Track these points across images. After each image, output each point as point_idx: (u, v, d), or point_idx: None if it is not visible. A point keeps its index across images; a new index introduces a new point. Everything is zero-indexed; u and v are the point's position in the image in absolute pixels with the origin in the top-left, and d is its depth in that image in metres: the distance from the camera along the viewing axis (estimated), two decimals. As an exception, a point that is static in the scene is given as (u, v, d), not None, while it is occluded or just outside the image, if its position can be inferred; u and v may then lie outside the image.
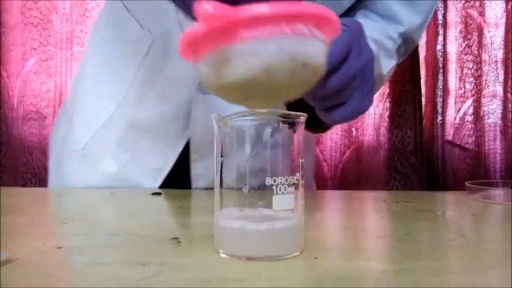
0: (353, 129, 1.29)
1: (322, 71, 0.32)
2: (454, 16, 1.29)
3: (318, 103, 0.46)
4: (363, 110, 0.47)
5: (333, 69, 0.42)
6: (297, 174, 0.32)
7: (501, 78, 1.28)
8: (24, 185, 1.30)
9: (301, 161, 0.32)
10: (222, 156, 0.32)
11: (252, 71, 0.29)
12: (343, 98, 0.45)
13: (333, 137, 1.28)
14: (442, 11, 1.28)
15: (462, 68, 1.29)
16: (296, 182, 0.32)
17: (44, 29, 1.32)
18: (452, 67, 1.29)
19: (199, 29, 0.28)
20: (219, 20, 0.28)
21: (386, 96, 1.28)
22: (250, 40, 0.28)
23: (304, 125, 0.33)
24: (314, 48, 0.30)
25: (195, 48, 0.30)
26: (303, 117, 0.33)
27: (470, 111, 1.29)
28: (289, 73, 0.29)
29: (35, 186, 1.29)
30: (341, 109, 0.46)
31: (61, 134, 0.75)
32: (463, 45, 1.29)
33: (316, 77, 0.32)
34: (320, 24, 0.30)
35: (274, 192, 0.30)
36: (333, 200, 0.65)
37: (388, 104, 1.27)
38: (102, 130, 0.68)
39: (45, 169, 1.31)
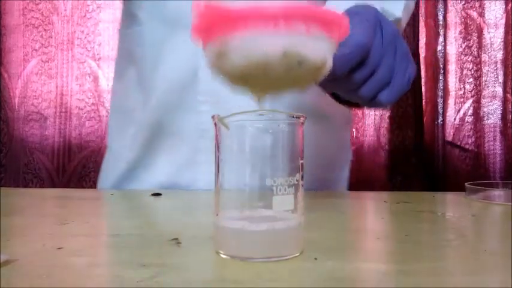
0: (354, 129, 1.29)
1: (325, 69, 0.32)
2: (454, 17, 1.29)
3: (363, 93, 0.44)
4: (407, 84, 0.45)
5: (366, 52, 0.42)
6: (297, 175, 0.32)
7: (501, 79, 1.28)
8: (26, 185, 1.30)
9: (301, 161, 0.32)
10: (221, 156, 0.32)
11: (246, 64, 0.30)
12: (384, 76, 0.43)
13: (334, 137, 1.28)
14: (442, 12, 1.28)
15: (462, 69, 1.29)
16: (296, 182, 0.32)
17: (45, 30, 1.32)
18: (452, 68, 1.29)
19: (202, 18, 0.30)
20: (216, 12, 0.28)
21: (386, 97, 1.28)
22: (245, 34, 0.29)
23: (303, 126, 0.33)
24: (312, 47, 0.30)
25: (201, 35, 0.31)
26: (302, 117, 0.33)
27: (470, 111, 1.30)
28: (284, 69, 0.30)
29: (36, 187, 1.29)
30: (387, 91, 0.44)
31: None
32: (463, 46, 1.29)
33: (318, 74, 0.32)
34: (325, 24, 0.30)
35: (274, 192, 0.30)
36: (333, 200, 0.65)
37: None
38: None
39: (46, 170, 1.31)
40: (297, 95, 0.67)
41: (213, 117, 0.32)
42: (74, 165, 1.33)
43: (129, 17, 0.70)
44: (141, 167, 0.69)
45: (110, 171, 0.73)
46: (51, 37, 1.33)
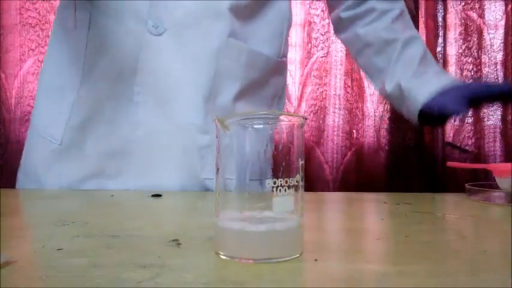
0: (354, 131, 1.29)
1: None
2: (453, 18, 1.29)
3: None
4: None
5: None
6: (297, 176, 0.32)
7: (501, 80, 1.28)
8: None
9: (301, 162, 0.32)
10: (221, 157, 0.32)
11: None
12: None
13: (334, 139, 1.28)
14: (442, 13, 1.28)
15: (462, 70, 1.29)
16: (296, 183, 0.31)
17: (41, 29, 1.32)
18: (452, 69, 1.29)
19: None
20: None
21: (386, 98, 1.28)
22: None
23: (303, 128, 0.33)
24: None
25: None
26: (302, 118, 0.33)
27: (470, 112, 1.29)
28: None
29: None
30: None
31: None
32: (463, 47, 1.29)
33: None
34: None
35: (274, 193, 0.30)
36: (333, 201, 0.65)
37: (388, 106, 1.27)
38: None
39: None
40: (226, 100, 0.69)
41: (213, 118, 0.32)
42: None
43: (71, 2, 0.69)
44: (71, 148, 0.69)
45: (37, 150, 0.72)
46: (48, 37, 1.32)
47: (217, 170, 0.32)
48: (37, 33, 1.32)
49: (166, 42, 0.65)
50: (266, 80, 0.74)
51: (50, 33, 1.31)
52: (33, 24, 1.32)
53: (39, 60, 1.32)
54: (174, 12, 0.65)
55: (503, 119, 1.28)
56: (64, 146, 0.69)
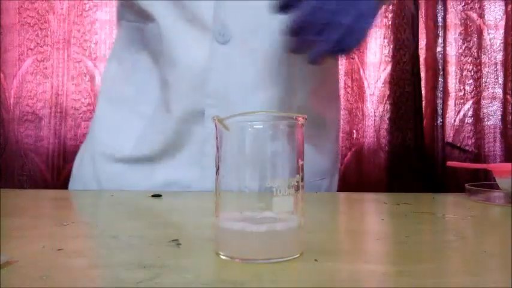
0: (354, 131, 1.29)
1: None
2: (453, 18, 1.29)
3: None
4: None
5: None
6: (297, 176, 0.32)
7: (501, 80, 1.28)
8: (20, 187, 1.29)
9: (301, 162, 0.32)
10: (222, 157, 0.32)
11: None
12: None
13: (335, 139, 1.28)
14: (442, 13, 1.28)
15: (462, 70, 1.29)
16: (296, 183, 0.31)
17: (40, 29, 1.32)
18: (452, 69, 1.29)
19: None
20: None
21: (386, 98, 1.28)
22: None
23: (303, 127, 0.33)
24: None
25: None
26: (302, 119, 0.33)
27: (470, 113, 1.30)
28: None
29: (30, 189, 1.29)
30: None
31: None
32: (463, 47, 1.29)
33: None
34: None
35: (274, 194, 0.30)
36: (333, 201, 0.65)
37: (388, 106, 1.27)
38: None
39: (40, 172, 1.31)
40: (300, 99, 0.67)
41: (213, 118, 0.32)
42: (70, 167, 1.32)
43: (136, 13, 0.68)
44: (143, 161, 0.68)
45: (101, 161, 0.70)
46: (47, 36, 1.32)
47: (217, 170, 0.32)
48: (36, 33, 1.32)
49: (234, 49, 0.63)
50: (333, 73, 0.76)
51: (48, 32, 1.32)
52: (32, 24, 1.32)
53: (37, 60, 1.32)
54: (238, 18, 0.63)
55: (503, 119, 1.28)
56: (135, 158, 0.68)
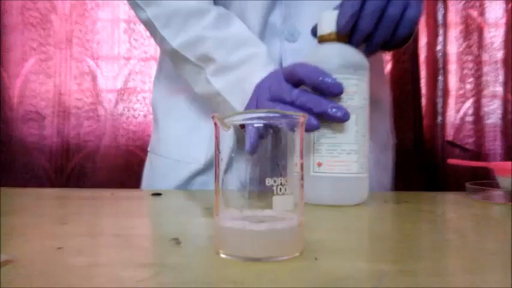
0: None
1: None
2: (454, 16, 1.29)
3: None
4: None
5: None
6: (297, 174, 0.32)
7: (501, 78, 1.28)
8: (24, 186, 1.29)
9: (301, 161, 0.32)
10: (222, 156, 0.32)
11: None
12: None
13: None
14: (442, 12, 1.28)
15: (462, 69, 1.29)
16: (296, 182, 0.31)
17: (43, 29, 1.32)
18: (453, 67, 1.29)
19: None
20: None
21: (386, 96, 1.28)
22: None
23: (304, 126, 0.33)
24: None
25: None
26: (302, 117, 0.33)
27: (471, 111, 1.29)
28: None
29: (34, 187, 1.29)
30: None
31: None
32: (463, 45, 1.29)
33: None
34: None
35: (275, 192, 0.30)
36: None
37: (388, 105, 1.27)
38: None
39: (44, 170, 1.31)
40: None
41: (212, 116, 0.32)
42: (72, 166, 1.32)
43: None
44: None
45: (171, 172, 0.72)
46: (50, 36, 1.32)
47: (217, 168, 0.32)
48: (38, 33, 1.32)
49: (304, 46, 0.65)
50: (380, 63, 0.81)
51: (51, 32, 1.32)
52: (34, 24, 1.32)
53: (40, 60, 1.32)
54: (303, 15, 0.66)
55: (504, 117, 1.28)
56: (207, 166, 0.69)
